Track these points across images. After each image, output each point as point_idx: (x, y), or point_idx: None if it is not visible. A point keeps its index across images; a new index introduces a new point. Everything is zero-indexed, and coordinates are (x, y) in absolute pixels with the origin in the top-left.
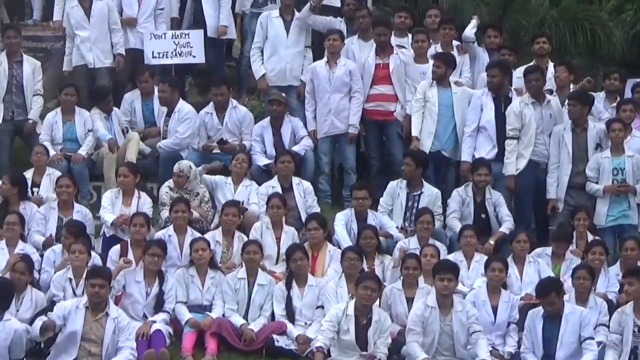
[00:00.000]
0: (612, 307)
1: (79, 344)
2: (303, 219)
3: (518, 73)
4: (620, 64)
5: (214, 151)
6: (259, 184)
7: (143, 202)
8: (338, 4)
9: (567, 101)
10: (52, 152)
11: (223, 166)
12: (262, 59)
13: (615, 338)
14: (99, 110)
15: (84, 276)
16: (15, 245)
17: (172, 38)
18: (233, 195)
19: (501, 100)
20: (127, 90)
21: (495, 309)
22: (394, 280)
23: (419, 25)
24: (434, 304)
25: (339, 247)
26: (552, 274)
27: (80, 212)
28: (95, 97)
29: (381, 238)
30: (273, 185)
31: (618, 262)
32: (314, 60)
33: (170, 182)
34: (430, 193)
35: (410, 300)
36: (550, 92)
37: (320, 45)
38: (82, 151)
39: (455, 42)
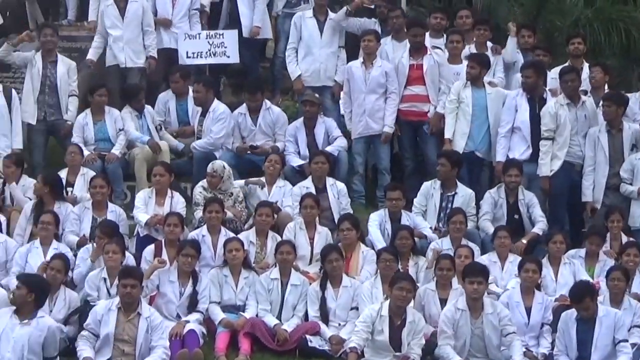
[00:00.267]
0: None
1: (113, 345)
2: (336, 220)
3: (553, 74)
4: None
5: (248, 152)
6: (293, 185)
7: (176, 202)
8: (372, 6)
9: (602, 102)
10: (86, 152)
11: (256, 166)
12: (297, 60)
13: None
14: (130, 109)
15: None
16: (50, 245)
17: (207, 38)
18: (267, 196)
19: (536, 101)
20: (161, 90)
21: (528, 310)
22: (428, 281)
23: (454, 26)
24: (464, 306)
25: (373, 248)
26: (587, 276)
27: (114, 212)
28: (126, 96)
29: (416, 239)
30: (307, 185)
31: None
32: (348, 60)
33: (204, 182)
34: (464, 194)
35: (443, 301)
36: (585, 92)
37: (354, 45)
38: (116, 150)
39: (489, 43)
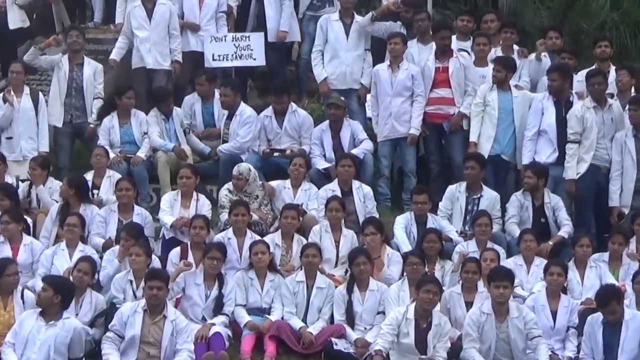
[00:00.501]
0: None
1: (138, 347)
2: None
3: (579, 77)
4: None
5: (275, 154)
6: (318, 188)
7: (202, 205)
8: (398, 10)
9: (628, 106)
10: (111, 155)
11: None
12: (323, 63)
13: None
14: (157, 112)
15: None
16: (75, 247)
17: (233, 41)
18: (292, 199)
19: (562, 104)
20: (187, 93)
21: (554, 314)
22: (453, 284)
23: (480, 29)
24: (489, 310)
25: (398, 251)
26: (613, 279)
27: (140, 214)
28: (156, 99)
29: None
30: (333, 188)
31: None
32: (374, 63)
33: (229, 185)
34: (489, 196)
35: (469, 305)
36: (611, 96)
37: (379, 48)
38: (141, 153)
39: (516, 46)
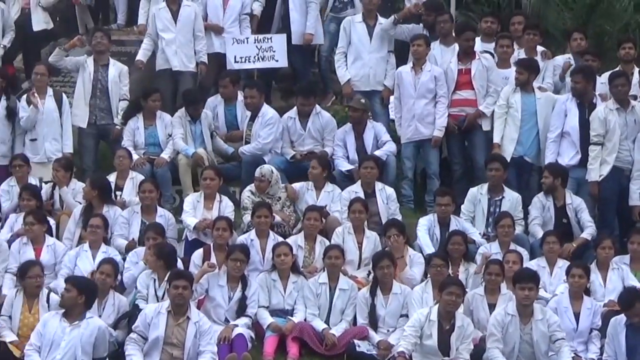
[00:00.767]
0: None
1: (162, 348)
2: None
3: (602, 79)
4: None
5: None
6: (341, 189)
7: (224, 206)
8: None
9: None
10: (135, 156)
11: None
12: (346, 64)
13: None
14: (182, 113)
15: (165, 278)
16: (99, 248)
17: (255, 42)
18: (315, 200)
19: (585, 106)
20: (210, 95)
21: (577, 316)
22: (476, 286)
23: (504, 30)
24: (514, 312)
25: (421, 252)
26: (637, 281)
27: (163, 216)
28: (187, 101)
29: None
30: (356, 190)
31: None
32: (397, 65)
33: (252, 187)
34: (511, 198)
35: (492, 306)
36: (635, 97)
37: (402, 50)
38: (165, 155)
39: (539, 48)
